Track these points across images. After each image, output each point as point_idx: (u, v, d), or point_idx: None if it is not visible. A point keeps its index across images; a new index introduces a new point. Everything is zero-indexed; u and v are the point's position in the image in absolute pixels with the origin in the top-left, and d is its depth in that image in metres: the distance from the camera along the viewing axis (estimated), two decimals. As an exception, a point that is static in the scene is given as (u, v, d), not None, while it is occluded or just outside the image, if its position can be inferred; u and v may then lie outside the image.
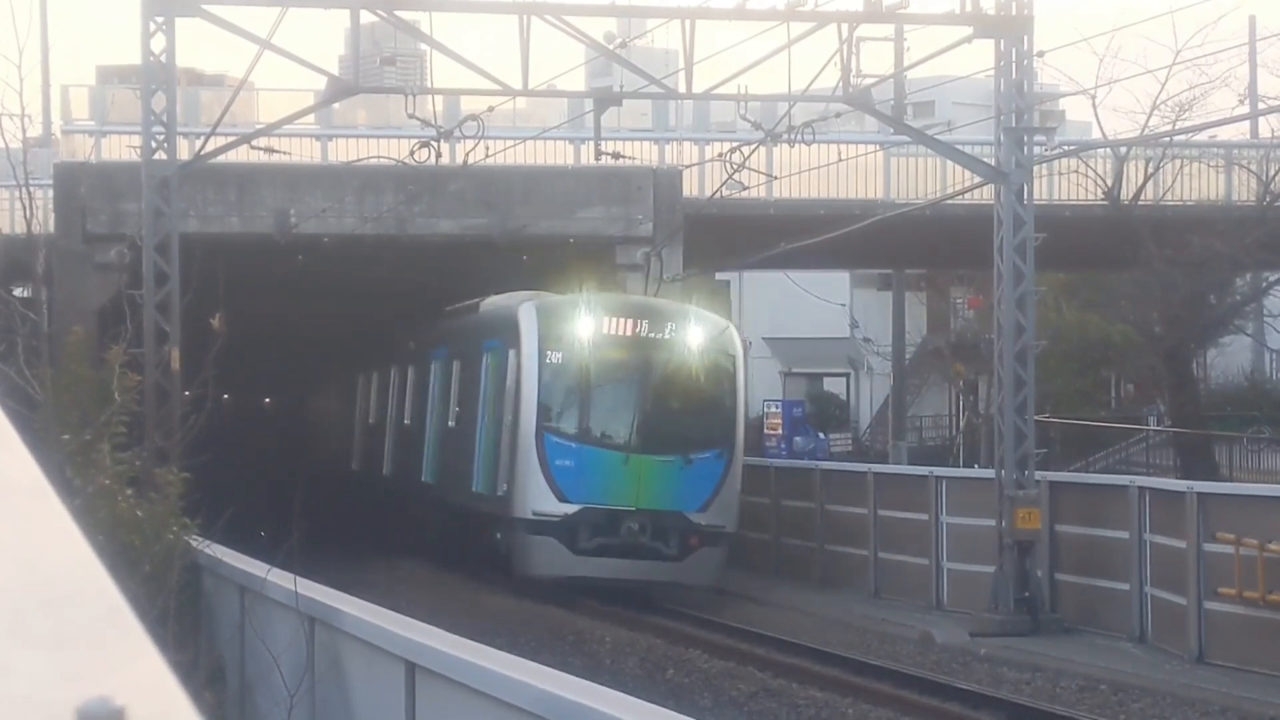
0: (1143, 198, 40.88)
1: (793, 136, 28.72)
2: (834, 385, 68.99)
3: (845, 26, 27.64)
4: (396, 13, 28.00)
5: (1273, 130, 45.11)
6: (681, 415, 29.17)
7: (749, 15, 27.84)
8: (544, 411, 29.09)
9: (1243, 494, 25.79)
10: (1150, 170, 41.27)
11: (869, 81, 28.57)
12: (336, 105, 39.13)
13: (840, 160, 37.12)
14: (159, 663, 2.24)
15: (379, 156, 35.11)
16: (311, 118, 35.43)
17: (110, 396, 17.19)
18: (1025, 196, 27.11)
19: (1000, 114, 28.06)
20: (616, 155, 32.71)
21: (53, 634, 2.38)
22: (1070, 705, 19.95)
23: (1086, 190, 41.02)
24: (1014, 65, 27.53)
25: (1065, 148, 41.20)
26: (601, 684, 7.80)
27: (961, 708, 19.43)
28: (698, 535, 28.30)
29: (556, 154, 40.00)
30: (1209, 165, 42.85)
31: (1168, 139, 38.85)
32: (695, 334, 29.36)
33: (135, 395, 18.08)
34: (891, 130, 32.59)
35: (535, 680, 7.62)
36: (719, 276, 48.89)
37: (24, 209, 22.32)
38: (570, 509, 28.24)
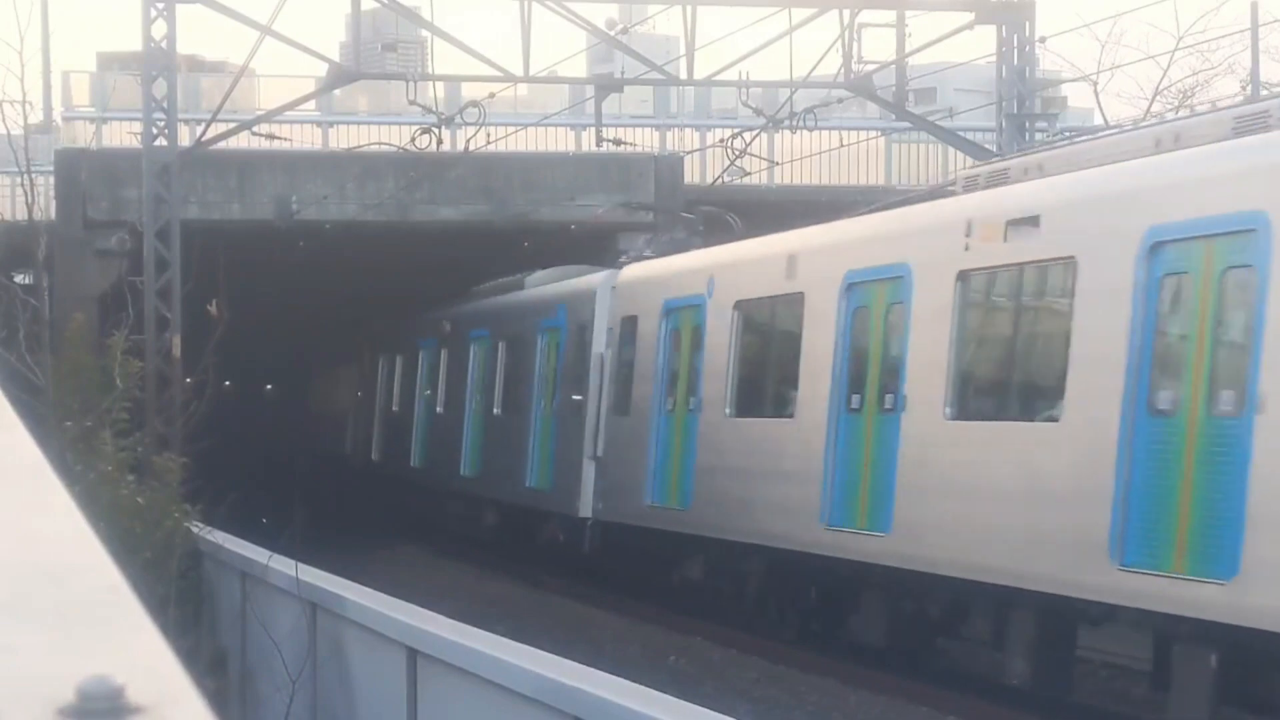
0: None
1: (794, 123, 28.70)
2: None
3: (847, 12, 27.62)
4: (397, -1, 27.99)
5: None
6: None
7: (751, 1, 27.81)
8: None
9: None
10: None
11: (871, 68, 28.57)
12: (337, 92, 39.10)
13: (842, 146, 37.12)
14: (158, 641, 2.24)
15: (380, 143, 35.13)
16: (312, 104, 35.45)
17: (112, 383, 17.20)
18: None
19: (1002, 100, 28.04)
20: (618, 142, 32.69)
21: (52, 611, 2.37)
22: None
23: (1088, 177, 40.95)
24: (1016, 51, 27.51)
25: (1067, 134, 41.13)
26: (603, 670, 7.78)
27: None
28: None
29: (558, 140, 40.01)
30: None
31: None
32: None
33: (137, 382, 18.09)
34: (893, 116, 32.55)
35: (537, 666, 7.61)
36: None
37: (25, 195, 22.31)
38: None
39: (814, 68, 28.57)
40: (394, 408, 41.01)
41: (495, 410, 32.89)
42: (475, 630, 8.94)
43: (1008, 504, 16.90)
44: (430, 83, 28.77)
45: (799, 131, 29.71)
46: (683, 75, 28.72)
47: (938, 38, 28.18)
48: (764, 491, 21.73)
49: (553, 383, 29.63)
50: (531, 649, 8.19)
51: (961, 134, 31.66)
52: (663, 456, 24.70)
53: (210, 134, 29.04)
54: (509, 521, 31.91)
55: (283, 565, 12.71)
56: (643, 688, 7.17)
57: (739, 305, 23.17)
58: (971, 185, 19.28)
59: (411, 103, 28.22)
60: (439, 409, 36.63)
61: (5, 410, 4.09)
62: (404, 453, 39.03)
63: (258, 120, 31.95)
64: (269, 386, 70.43)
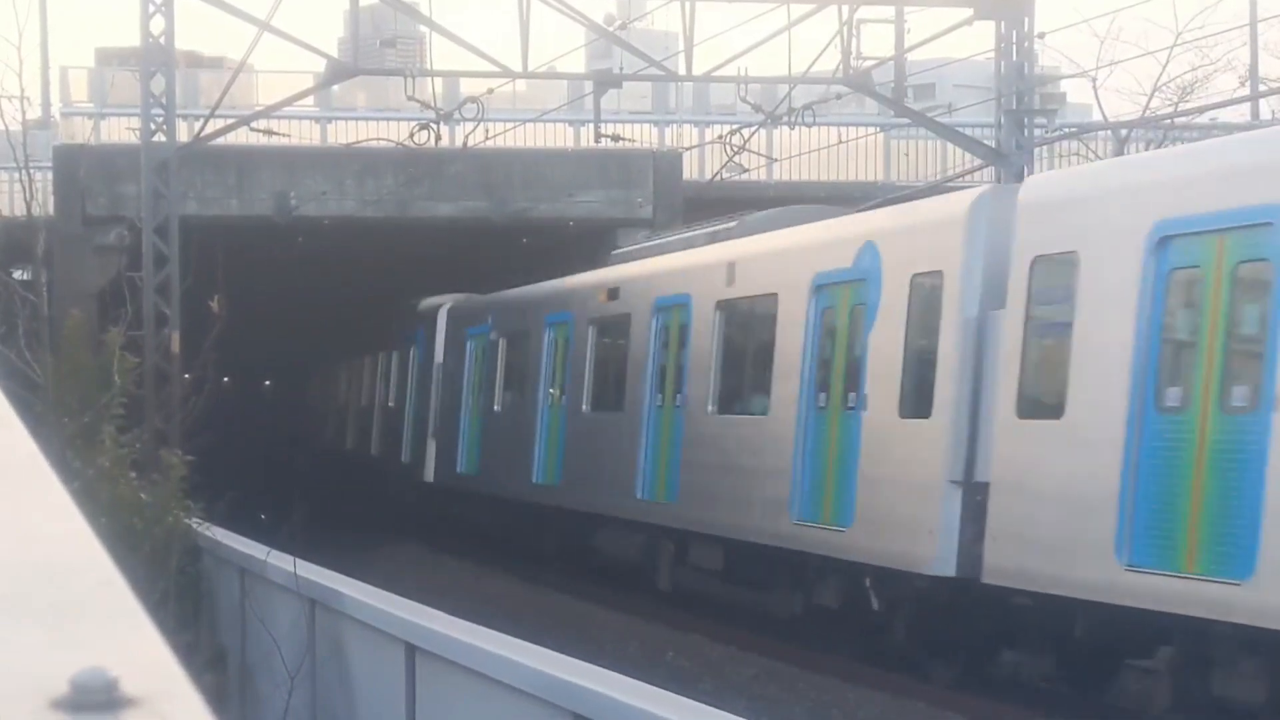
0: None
1: (793, 119, 28.68)
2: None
3: (845, 8, 27.61)
4: (396, -5, 27.97)
5: (1273, 112, 45.07)
6: None
7: (749, -3, 27.78)
8: None
9: None
10: (1151, 153, 41.19)
11: (869, 64, 28.54)
12: (336, 87, 39.08)
13: (840, 143, 37.06)
14: (154, 635, 2.23)
15: (379, 139, 35.08)
16: (311, 100, 35.37)
17: (110, 379, 17.18)
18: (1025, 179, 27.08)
19: (1001, 96, 28.03)
20: (616, 138, 32.66)
21: (47, 606, 2.37)
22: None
23: (1087, 173, 40.90)
24: (1014, 47, 27.51)
25: (1066, 130, 41.13)
26: (602, 667, 7.78)
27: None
28: None
29: (556, 137, 39.92)
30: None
31: (1169, 121, 38.82)
32: None
33: (134, 378, 18.07)
34: (892, 113, 32.54)
35: (535, 662, 7.60)
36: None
37: (23, 191, 22.28)
38: None
39: (813, 64, 28.58)
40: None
41: None
42: (474, 626, 8.93)
43: None
44: (429, 78, 28.75)
45: (797, 127, 29.69)
46: (681, 71, 28.70)
47: (937, 34, 28.18)
48: None
49: None
50: (530, 645, 8.18)
51: (960, 130, 31.64)
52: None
53: (209, 130, 29.02)
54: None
55: (282, 561, 12.71)
56: (642, 684, 7.16)
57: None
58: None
59: (410, 99, 28.20)
60: None
61: (3, 407, 4.09)
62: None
63: (256, 116, 31.91)
64: (267, 383, 70.46)
